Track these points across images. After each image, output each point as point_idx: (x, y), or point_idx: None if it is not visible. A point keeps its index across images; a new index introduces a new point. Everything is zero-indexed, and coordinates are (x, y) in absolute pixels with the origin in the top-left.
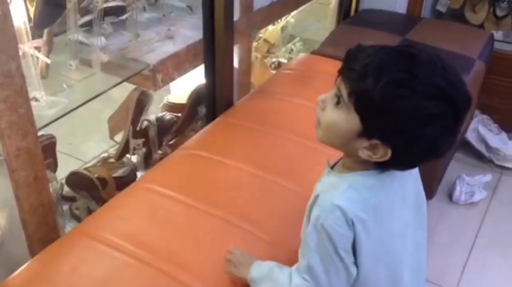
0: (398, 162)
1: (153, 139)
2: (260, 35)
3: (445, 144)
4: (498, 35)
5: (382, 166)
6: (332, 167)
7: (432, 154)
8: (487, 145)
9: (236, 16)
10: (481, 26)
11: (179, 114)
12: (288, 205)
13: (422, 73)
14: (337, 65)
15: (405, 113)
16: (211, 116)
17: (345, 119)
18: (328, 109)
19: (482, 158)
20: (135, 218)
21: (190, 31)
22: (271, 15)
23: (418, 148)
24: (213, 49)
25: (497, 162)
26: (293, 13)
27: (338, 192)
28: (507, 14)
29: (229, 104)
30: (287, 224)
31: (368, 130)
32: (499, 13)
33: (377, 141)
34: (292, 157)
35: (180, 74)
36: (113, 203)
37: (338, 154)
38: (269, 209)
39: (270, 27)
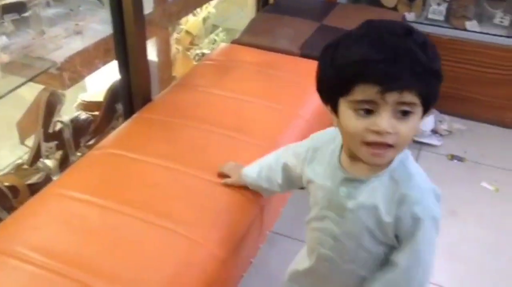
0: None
1: (68, 141)
2: (182, 27)
3: None
4: (410, 16)
5: None
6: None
7: None
8: None
9: (150, 7)
10: (394, 8)
11: (97, 113)
12: (209, 199)
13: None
14: (258, 53)
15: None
16: (129, 112)
17: (417, 120)
18: (401, 127)
19: None
20: (47, 227)
21: (101, 25)
22: (187, 5)
23: None
24: (124, 43)
25: (415, 139)
26: (213, 3)
27: (416, 181)
28: None
29: (146, 99)
30: (210, 218)
31: (429, 107)
32: None
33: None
34: (212, 149)
35: (91, 71)
36: (22, 212)
37: (259, 142)
38: (190, 204)
39: (191, 18)
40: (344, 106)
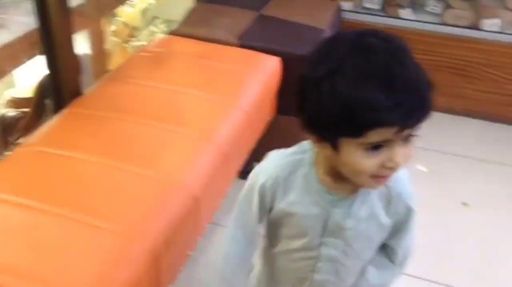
0: None
1: None
2: (119, 18)
3: None
4: (347, 5)
5: None
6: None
7: None
8: None
9: None
10: None
11: (26, 110)
12: (141, 192)
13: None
14: (195, 44)
15: None
16: (58, 107)
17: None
18: (408, 152)
19: None
20: None
21: (26, 17)
22: None
23: None
24: (50, 36)
25: None
26: None
27: (401, 177)
28: None
29: (76, 93)
30: (139, 212)
31: None
32: None
33: None
34: (143, 142)
35: (15, 66)
36: None
37: (193, 133)
38: (118, 199)
39: (130, 10)
40: (350, 145)
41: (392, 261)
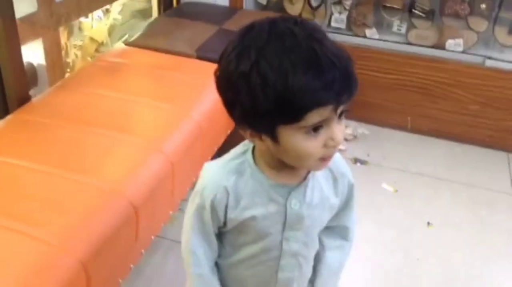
0: None
1: None
2: (85, 33)
3: None
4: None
5: None
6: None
7: None
8: None
9: (34, 7)
10: (299, 16)
11: None
12: (73, 200)
13: None
14: (153, 55)
15: None
16: (3, 114)
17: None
18: (343, 128)
19: None
20: None
21: None
22: (79, 7)
23: None
24: None
25: None
26: (117, 12)
27: (337, 156)
28: (321, 4)
29: (23, 100)
30: (70, 220)
31: None
32: (314, 3)
33: None
34: (87, 150)
35: None
36: None
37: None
38: (49, 205)
39: (96, 25)
40: (289, 132)
41: (346, 239)
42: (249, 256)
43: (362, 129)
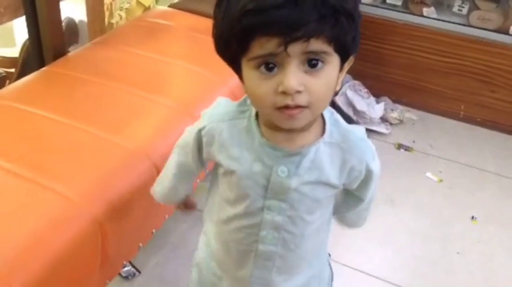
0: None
1: None
2: None
3: None
4: None
5: None
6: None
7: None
8: (354, 109)
9: None
10: None
11: (12, 70)
12: (95, 155)
13: None
14: (194, 19)
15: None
16: (39, 67)
17: (332, 71)
18: (312, 83)
19: (351, 122)
20: None
21: None
22: None
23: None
24: None
25: (364, 125)
26: None
27: (358, 138)
28: None
29: (59, 53)
30: (90, 175)
31: (346, 54)
32: None
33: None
34: (116, 107)
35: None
36: None
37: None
38: (76, 162)
39: None
40: (246, 67)
41: (360, 201)
42: (232, 216)
43: (409, 114)
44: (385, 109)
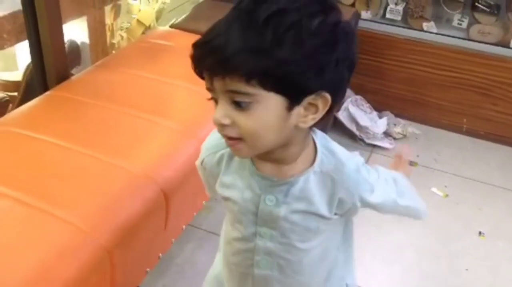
0: (335, 98)
1: None
2: (133, 16)
3: (355, 51)
4: (367, 14)
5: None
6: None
7: (352, 67)
8: (357, 124)
9: None
10: (352, 5)
11: (15, 93)
12: (102, 181)
13: (285, 2)
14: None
15: (314, 46)
16: (43, 91)
17: (266, 110)
18: (239, 119)
19: (354, 137)
20: None
21: None
22: None
23: (342, 69)
24: (34, 19)
25: (368, 141)
26: None
27: (350, 168)
28: None
29: (62, 77)
30: (97, 202)
31: (294, 95)
32: None
33: (309, 97)
34: (120, 131)
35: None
36: None
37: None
38: (82, 188)
39: (143, 8)
40: None
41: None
42: (232, 239)
43: (412, 128)
44: (388, 124)
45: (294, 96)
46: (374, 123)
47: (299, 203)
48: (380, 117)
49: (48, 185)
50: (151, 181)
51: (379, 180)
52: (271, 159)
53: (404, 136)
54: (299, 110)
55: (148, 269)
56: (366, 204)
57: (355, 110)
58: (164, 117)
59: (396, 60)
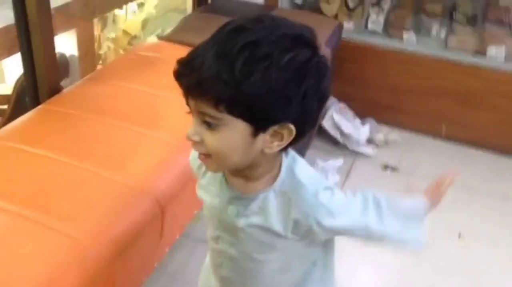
0: (303, 128)
1: None
2: (120, 26)
3: (327, 85)
4: (349, 25)
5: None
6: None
7: (322, 100)
8: (341, 132)
9: None
10: (335, 17)
11: (5, 106)
12: (98, 194)
13: (262, 34)
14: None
15: (281, 80)
16: (35, 105)
17: (231, 133)
18: (207, 137)
19: (338, 145)
20: None
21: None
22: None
23: (310, 102)
24: (27, 33)
25: (351, 147)
26: (153, 3)
27: (308, 191)
28: (358, 5)
29: (54, 91)
30: (94, 214)
31: (260, 124)
32: (351, 4)
33: (274, 126)
34: (112, 144)
35: None
36: None
37: (168, 139)
38: (74, 199)
39: (130, 18)
40: None
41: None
42: (207, 237)
43: (394, 135)
44: (370, 131)
45: (259, 125)
46: (358, 130)
47: (256, 218)
48: (363, 124)
49: (45, 199)
50: (147, 194)
51: (348, 204)
52: (239, 175)
53: (386, 142)
54: (264, 136)
55: (144, 280)
56: (327, 229)
57: (339, 118)
58: (155, 128)
59: (378, 69)
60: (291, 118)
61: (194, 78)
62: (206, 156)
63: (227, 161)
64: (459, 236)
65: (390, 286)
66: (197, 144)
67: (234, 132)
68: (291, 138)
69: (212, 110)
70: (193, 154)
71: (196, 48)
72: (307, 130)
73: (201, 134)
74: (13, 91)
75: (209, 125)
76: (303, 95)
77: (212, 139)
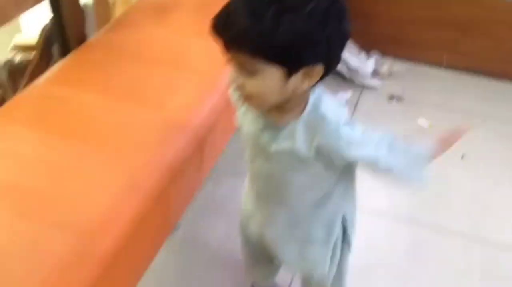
0: (329, 67)
1: (3, 84)
2: None
3: (347, 26)
4: None
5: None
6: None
7: (344, 40)
8: (348, 67)
9: None
10: None
11: (33, 55)
12: (148, 132)
13: None
14: None
15: (307, 27)
16: (64, 53)
17: (268, 78)
18: (247, 82)
19: (345, 79)
20: None
21: None
22: None
23: (334, 43)
24: None
25: (357, 81)
26: None
27: (330, 124)
28: None
29: (81, 40)
30: (148, 150)
31: (292, 67)
32: None
33: (305, 68)
34: (149, 86)
35: (21, 11)
36: None
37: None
38: (126, 137)
39: None
40: None
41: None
42: (245, 158)
43: (398, 65)
44: (375, 64)
45: (291, 68)
46: (363, 64)
47: (285, 143)
48: (368, 58)
49: (96, 136)
50: (185, 127)
51: (364, 138)
52: (272, 108)
53: (391, 74)
54: (296, 78)
55: (187, 205)
56: (344, 157)
57: (345, 53)
58: (184, 70)
59: (381, 1)
60: (319, 59)
61: (229, 35)
62: (247, 97)
63: (266, 101)
64: (462, 157)
65: (391, 196)
66: (238, 87)
67: (270, 76)
68: (319, 76)
69: (250, 59)
70: (232, 88)
71: (228, 6)
72: (333, 68)
73: (241, 79)
74: (39, 39)
75: (248, 72)
76: (328, 37)
77: (251, 84)
